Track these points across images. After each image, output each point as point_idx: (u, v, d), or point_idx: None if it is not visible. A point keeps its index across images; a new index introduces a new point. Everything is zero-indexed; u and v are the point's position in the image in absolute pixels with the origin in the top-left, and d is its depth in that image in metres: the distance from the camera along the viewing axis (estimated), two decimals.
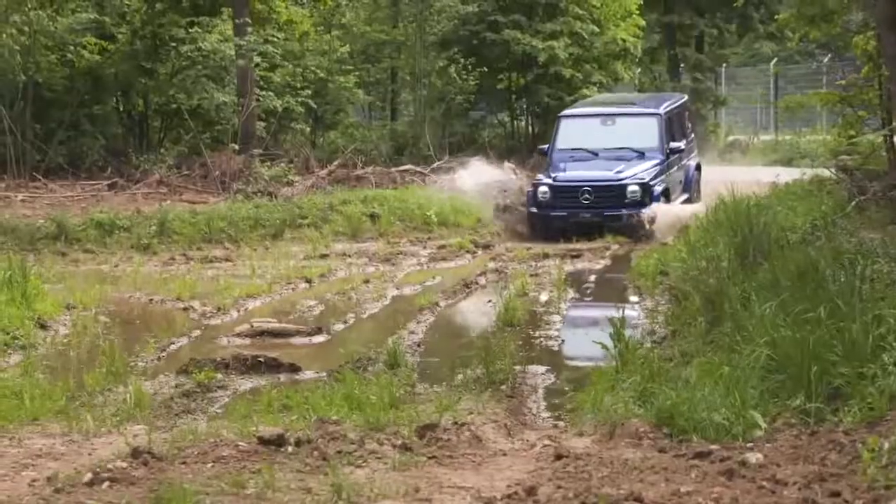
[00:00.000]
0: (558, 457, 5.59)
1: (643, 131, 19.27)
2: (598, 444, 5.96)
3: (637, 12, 27.31)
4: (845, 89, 15.98)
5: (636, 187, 18.19)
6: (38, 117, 21.53)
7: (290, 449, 5.72)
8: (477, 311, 12.07)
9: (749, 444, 5.68)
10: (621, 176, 18.31)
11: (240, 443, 5.82)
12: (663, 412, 5.99)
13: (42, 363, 9.21)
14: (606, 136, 19.38)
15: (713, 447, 5.51)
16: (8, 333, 9.85)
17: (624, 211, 18.03)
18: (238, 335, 10.51)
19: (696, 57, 31.35)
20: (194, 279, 13.84)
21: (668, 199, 18.72)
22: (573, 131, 19.68)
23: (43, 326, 10.65)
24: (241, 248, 17.63)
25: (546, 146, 19.83)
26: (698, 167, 20.70)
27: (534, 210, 18.59)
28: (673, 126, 19.91)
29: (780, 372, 6.72)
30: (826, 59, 31.17)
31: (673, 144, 19.20)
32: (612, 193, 18.14)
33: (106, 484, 5.13)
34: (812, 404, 6.07)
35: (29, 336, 10.07)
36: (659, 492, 4.74)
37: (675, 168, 19.70)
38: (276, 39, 23.13)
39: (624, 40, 26.72)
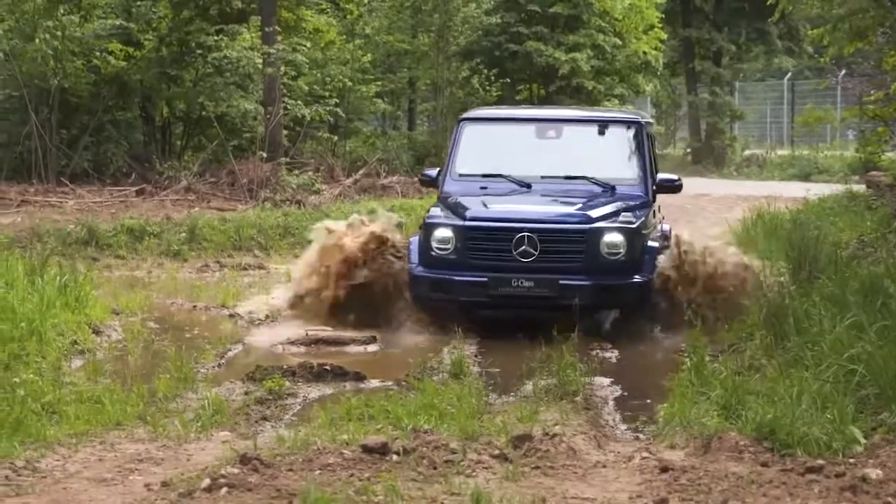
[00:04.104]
0: (664, 469, 5.61)
1: (613, 151, 11.78)
2: (694, 456, 5.97)
3: (659, 26, 27.42)
4: (880, 104, 16.08)
5: (618, 237, 10.36)
6: (63, 123, 21.56)
7: (394, 458, 5.74)
8: (523, 320, 12.05)
9: (851, 460, 5.70)
10: (591, 215, 10.61)
11: (344, 451, 5.84)
12: (764, 426, 6.01)
13: (104, 368, 9.21)
14: (546, 156, 11.77)
15: (821, 462, 5.53)
16: (67, 338, 9.86)
17: (594, 281, 10.29)
18: (293, 343, 10.50)
19: (714, 71, 31.45)
20: (236, 286, 13.84)
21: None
22: (486, 147, 11.92)
23: (96, 332, 10.64)
24: (272, 255, 17.67)
25: (433, 171, 12.03)
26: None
27: (421, 272, 10.73)
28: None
29: (864, 387, 6.76)
30: (841, 75, 31.33)
31: (663, 177, 11.77)
32: (574, 245, 10.39)
33: (224, 490, 5.15)
34: None
35: (86, 341, 10.07)
36: None
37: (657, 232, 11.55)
38: (304, 48, 23.19)
39: (645, 53, 26.83)
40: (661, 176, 11.79)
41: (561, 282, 10.29)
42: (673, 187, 11.64)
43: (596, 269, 10.36)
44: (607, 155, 11.80)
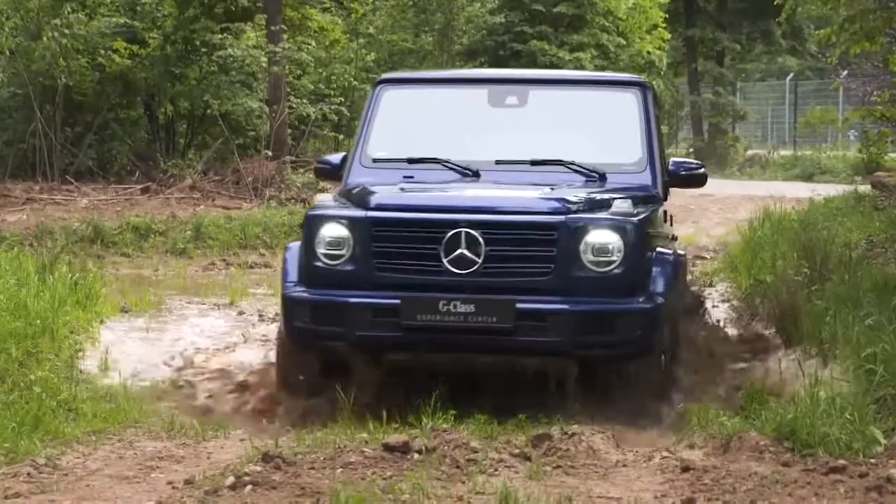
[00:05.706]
0: (685, 469, 5.61)
1: (604, 125, 8.19)
2: (714, 456, 5.97)
3: (662, 25, 27.46)
4: (887, 105, 16.09)
5: (611, 235, 6.83)
6: (68, 120, 21.57)
7: (416, 456, 5.74)
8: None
9: (872, 460, 5.71)
10: (567, 203, 7.04)
11: (365, 449, 5.85)
12: (784, 426, 6.02)
13: (116, 366, 9.21)
14: (503, 132, 8.20)
15: (843, 462, 5.54)
16: (79, 336, 9.85)
17: (572, 306, 6.78)
18: None
19: (717, 71, 31.52)
20: (243, 285, 13.85)
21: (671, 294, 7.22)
22: (414, 120, 8.42)
23: (107, 330, 10.64)
24: (277, 254, 17.65)
25: (336, 157, 8.45)
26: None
27: (299, 293, 7.15)
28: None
29: (882, 387, 6.76)
30: (844, 75, 31.35)
31: (680, 161, 8.29)
32: (541, 248, 6.86)
33: (249, 488, 5.16)
34: None
35: (98, 339, 10.07)
36: None
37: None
38: (309, 47, 23.21)
39: (649, 53, 26.86)
40: (675, 160, 8.22)
41: (518, 305, 6.74)
42: (694, 177, 8.12)
43: (575, 286, 6.79)
44: (594, 130, 8.19)
